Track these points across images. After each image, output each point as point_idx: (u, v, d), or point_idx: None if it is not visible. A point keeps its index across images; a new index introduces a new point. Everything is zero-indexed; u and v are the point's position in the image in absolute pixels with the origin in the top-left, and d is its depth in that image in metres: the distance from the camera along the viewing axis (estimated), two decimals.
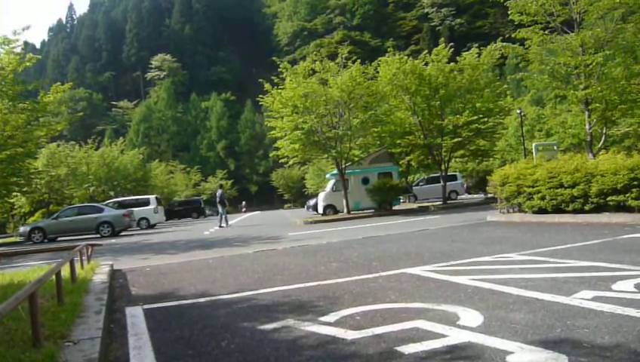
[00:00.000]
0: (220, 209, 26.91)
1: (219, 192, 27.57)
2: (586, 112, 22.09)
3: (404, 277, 7.07)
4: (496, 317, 4.60)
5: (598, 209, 13.09)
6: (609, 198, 12.74)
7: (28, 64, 24.06)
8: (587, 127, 22.49)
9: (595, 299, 5.01)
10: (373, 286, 6.59)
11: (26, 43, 28.80)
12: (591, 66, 20.55)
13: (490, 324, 4.41)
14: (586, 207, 13.29)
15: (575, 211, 13.59)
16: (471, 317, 4.68)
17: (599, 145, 23.15)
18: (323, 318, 5.05)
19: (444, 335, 4.18)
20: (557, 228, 12.06)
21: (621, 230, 10.56)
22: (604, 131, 23.82)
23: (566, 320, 4.35)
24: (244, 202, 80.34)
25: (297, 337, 4.51)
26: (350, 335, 4.41)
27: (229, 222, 27.06)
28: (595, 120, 22.48)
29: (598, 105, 21.53)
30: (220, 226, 25.75)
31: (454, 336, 4.14)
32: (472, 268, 7.44)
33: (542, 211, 14.67)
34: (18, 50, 23.60)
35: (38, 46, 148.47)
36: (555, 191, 14.10)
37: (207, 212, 58.48)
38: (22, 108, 24.62)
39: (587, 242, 9.24)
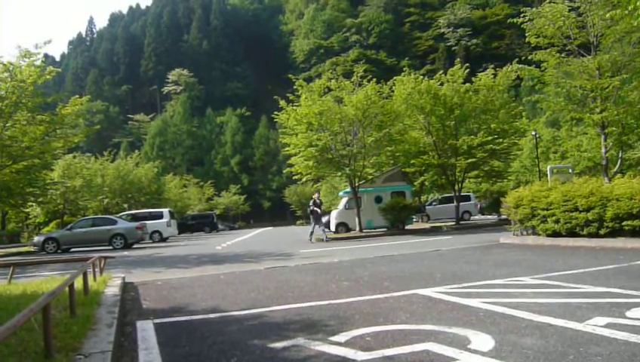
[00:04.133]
0: (312, 220, 23.65)
1: (312, 200, 23.87)
2: (602, 136, 21.94)
3: (416, 298, 7.03)
4: (507, 342, 4.57)
5: (613, 233, 12.94)
6: (624, 223, 12.59)
7: (48, 77, 24.46)
8: (603, 150, 22.33)
9: (608, 325, 4.95)
10: (384, 307, 6.57)
11: (46, 56, 29.25)
12: (607, 90, 20.44)
13: (502, 349, 4.37)
14: (601, 232, 13.15)
15: (590, 235, 13.45)
16: (482, 341, 4.65)
17: (615, 168, 22.97)
18: (333, 338, 5.04)
19: (454, 359, 4.15)
20: (571, 252, 11.95)
21: (636, 255, 10.43)
22: (620, 155, 23.66)
23: (579, 347, 4.31)
24: None
25: (307, 357, 4.50)
26: (360, 356, 4.39)
27: (315, 235, 22.98)
28: (611, 143, 22.34)
29: (614, 128, 21.39)
30: (326, 239, 22.43)
31: (465, 360, 4.11)
32: (484, 290, 7.39)
33: (556, 234, 14.54)
34: (38, 62, 24.00)
35: (57, 59, 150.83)
36: (570, 215, 13.98)
37: (220, 226, 58.66)
38: (40, 120, 24.98)
39: (601, 267, 9.13)
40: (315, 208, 23.31)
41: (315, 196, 24.42)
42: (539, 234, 15.35)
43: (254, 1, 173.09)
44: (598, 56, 20.52)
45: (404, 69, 30.31)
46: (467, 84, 28.31)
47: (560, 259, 10.68)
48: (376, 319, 5.84)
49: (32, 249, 26.89)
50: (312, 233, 23.24)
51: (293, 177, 29.00)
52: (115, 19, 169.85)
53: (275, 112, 27.70)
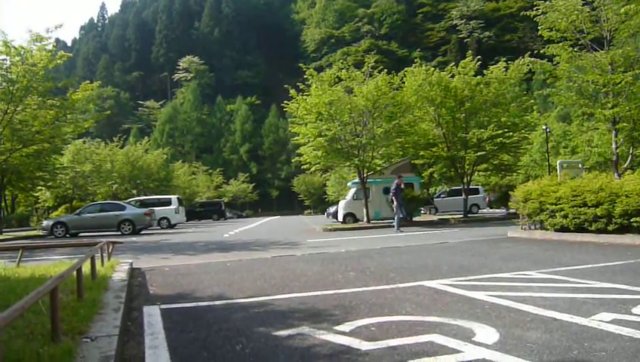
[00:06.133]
0: (395, 207, 21.12)
1: (396, 184, 21.28)
2: (613, 131, 21.80)
3: (421, 290, 7.04)
4: (512, 335, 4.57)
5: (622, 230, 12.86)
6: (633, 219, 12.51)
7: (59, 61, 24.53)
8: (614, 146, 22.18)
9: (614, 321, 4.93)
10: (389, 298, 6.58)
11: (57, 40, 29.32)
12: (620, 85, 20.29)
13: (506, 342, 4.37)
14: (609, 228, 13.08)
15: (598, 231, 13.38)
16: (487, 333, 4.65)
17: (625, 165, 22.82)
18: (338, 327, 5.05)
19: (458, 351, 4.15)
20: (579, 248, 11.90)
21: None
22: (630, 151, 23.48)
23: (583, 342, 4.30)
24: None
25: (311, 345, 4.52)
26: (364, 346, 4.40)
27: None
28: (622, 139, 22.19)
29: (625, 124, 21.25)
30: (398, 230, 20.21)
31: (469, 352, 4.11)
32: (490, 283, 7.38)
33: (564, 229, 14.48)
34: (49, 47, 24.05)
35: (69, 44, 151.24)
36: (578, 210, 13.90)
37: (228, 214, 58.81)
38: (51, 105, 25.09)
39: (609, 263, 9.09)
40: (399, 193, 21.11)
41: (399, 180, 21.61)
42: (547, 229, 15.29)
43: None
44: (611, 51, 20.36)
45: (416, 60, 30.17)
46: (478, 77, 28.08)
47: (567, 254, 10.65)
48: (382, 309, 5.85)
49: (40, 233, 27.07)
50: (400, 220, 20.89)
51: (302, 167, 28.99)
52: (127, 5, 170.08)
53: (285, 101, 27.69)
